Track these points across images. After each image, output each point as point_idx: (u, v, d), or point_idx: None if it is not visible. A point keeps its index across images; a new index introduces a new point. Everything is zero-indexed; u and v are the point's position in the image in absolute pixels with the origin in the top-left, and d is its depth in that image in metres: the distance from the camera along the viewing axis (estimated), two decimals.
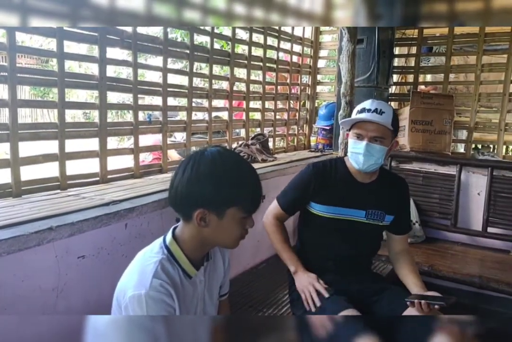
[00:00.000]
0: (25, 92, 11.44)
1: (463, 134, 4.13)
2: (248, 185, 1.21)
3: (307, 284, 1.72)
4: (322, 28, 4.11)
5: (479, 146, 4.38)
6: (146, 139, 2.53)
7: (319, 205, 1.84)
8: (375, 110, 1.71)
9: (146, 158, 4.21)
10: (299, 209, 1.94)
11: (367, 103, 1.76)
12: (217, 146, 1.25)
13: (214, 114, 2.99)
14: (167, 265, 1.19)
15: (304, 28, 3.83)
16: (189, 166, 1.17)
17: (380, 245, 1.98)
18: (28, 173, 1.89)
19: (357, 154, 1.75)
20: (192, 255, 1.25)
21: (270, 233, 1.91)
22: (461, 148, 4.37)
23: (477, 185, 3.27)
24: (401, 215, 1.90)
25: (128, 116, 2.37)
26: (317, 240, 1.90)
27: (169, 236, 1.26)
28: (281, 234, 1.90)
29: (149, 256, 1.21)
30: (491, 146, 4.24)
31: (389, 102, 3.95)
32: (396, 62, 4.04)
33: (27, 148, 1.92)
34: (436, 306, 1.53)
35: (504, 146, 3.69)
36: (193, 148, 2.72)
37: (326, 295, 1.65)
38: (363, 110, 1.75)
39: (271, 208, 1.95)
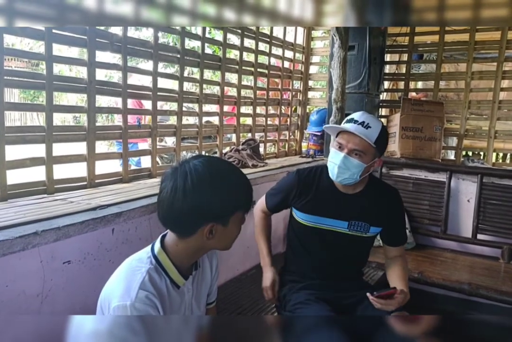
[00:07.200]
0: (14, 95, 11.37)
1: (453, 141, 4.15)
2: (242, 186, 1.22)
3: (265, 286, 1.83)
4: (314, 34, 4.13)
5: (469, 153, 4.42)
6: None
7: (301, 213, 1.84)
8: (362, 123, 1.66)
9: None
10: (283, 209, 1.99)
11: (357, 115, 1.72)
12: (195, 158, 1.19)
13: (205, 119, 2.98)
14: (154, 276, 1.16)
15: (296, 33, 3.84)
16: (179, 182, 1.12)
17: (368, 254, 1.96)
18: (14, 176, 1.86)
19: (334, 164, 1.70)
20: (181, 264, 1.23)
21: (256, 225, 2.00)
22: (451, 155, 4.39)
23: (467, 191, 3.28)
24: (391, 227, 1.84)
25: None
26: (301, 246, 1.89)
27: (157, 245, 1.23)
28: (264, 226, 1.99)
29: (136, 265, 1.18)
30: (481, 153, 4.29)
31: (380, 109, 3.97)
32: (387, 69, 4.06)
33: (14, 152, 1.90)
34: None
35: (494, 154, 3.71)
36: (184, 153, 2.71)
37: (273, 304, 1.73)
38: (350, 121, 1.70)
39: (261, 202, 2.00)
